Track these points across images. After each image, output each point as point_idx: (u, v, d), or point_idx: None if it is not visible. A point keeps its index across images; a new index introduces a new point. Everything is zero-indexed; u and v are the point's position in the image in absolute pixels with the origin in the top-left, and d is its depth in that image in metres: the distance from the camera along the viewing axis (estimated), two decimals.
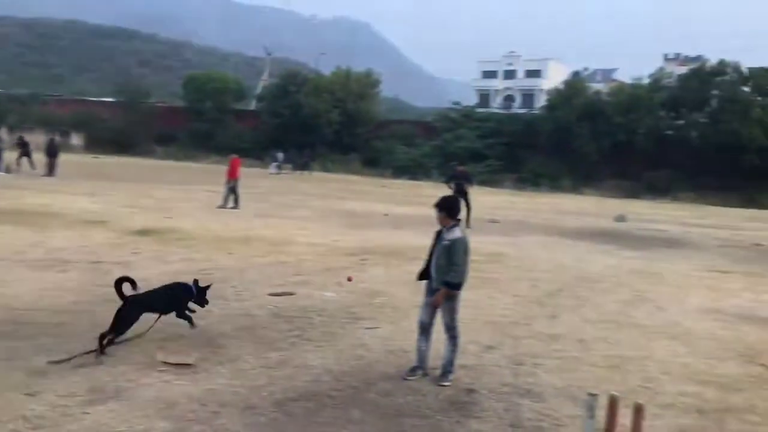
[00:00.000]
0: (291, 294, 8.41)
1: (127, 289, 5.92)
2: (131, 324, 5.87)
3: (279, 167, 44.54)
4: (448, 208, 5.67)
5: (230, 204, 19.42)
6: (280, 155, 45.09)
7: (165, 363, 5.51)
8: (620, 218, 23.11)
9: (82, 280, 8.49)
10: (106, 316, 6.72)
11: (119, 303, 5.93)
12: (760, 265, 13.81)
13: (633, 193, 41.51)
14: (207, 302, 6.70)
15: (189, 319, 6.49)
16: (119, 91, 59.46)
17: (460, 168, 20.87)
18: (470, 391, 5.32)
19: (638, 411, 3.36)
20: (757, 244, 17.85)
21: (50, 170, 26.85)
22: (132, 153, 53.98)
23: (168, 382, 5.09)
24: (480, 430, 4.59)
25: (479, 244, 14.50)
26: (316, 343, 6.36)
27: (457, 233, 5.56)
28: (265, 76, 69.36)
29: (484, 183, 44.83)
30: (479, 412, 4.90)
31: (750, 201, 38.18)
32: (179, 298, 6.56)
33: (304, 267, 10.47)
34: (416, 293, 8.88)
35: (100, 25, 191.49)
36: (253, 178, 34.44)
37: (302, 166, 45.31)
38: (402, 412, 4.82)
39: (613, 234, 18.51)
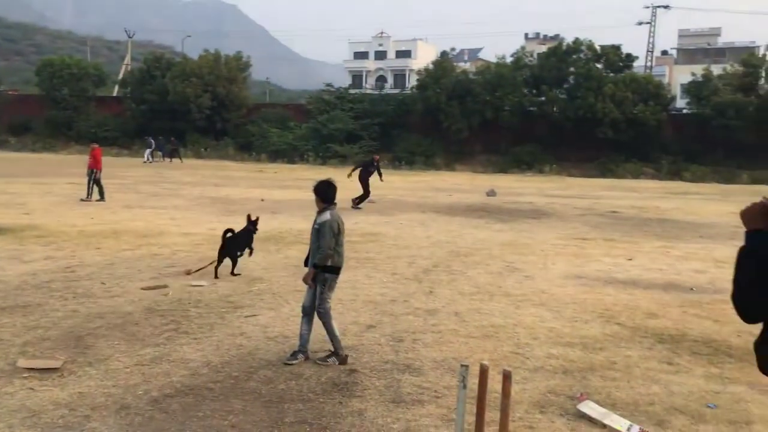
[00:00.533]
0: (164, 287, 8.13)
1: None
2: (226, 257, 8.92)
3: (152, 155, 42.68)
4: (320, 193, 5.70)
5: (96, 196, 18.40)
6: (151, 141, 43.20)
7: (28, 369, 5.17)
8: (491, 193, 24.05)
9: None
10: None
11: None
12: (616, 231, 14.85)
13: (502, 168, 43.29)
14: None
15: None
16: None
17: (377, 157, 21.68)
18: (351, 371, 5.38)
19: (506, 377, 3.54)
20: (613, 211, 19.17)
21: None
22: None
23: (32, 389, 4.79)
24: (362, 408, 4.66)
25: (356, 225, 14.67)
26: (192, 336, 6.20)
27: (326, 216, 5.62)
28: (127, 60, 65.92)
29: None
30: (361, 391, 4.98)
31: (606, 171, 40.88)
32: (251, 234, 9.54)
33: (178, 258, 10.15)
34: (296, 277, 8.86)
35: None
36: (122, 167, 32.84)
37: (171, 153, 43.65)
38: (284, 398, 4.81)
39: (485, 208, 19.24)
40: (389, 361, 5.64)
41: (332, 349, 5.62)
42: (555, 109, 44.33)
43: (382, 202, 20.31)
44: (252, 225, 9.64)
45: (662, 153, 42.04)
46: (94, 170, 18.59)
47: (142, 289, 7.99)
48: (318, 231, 5.57)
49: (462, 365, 3.54)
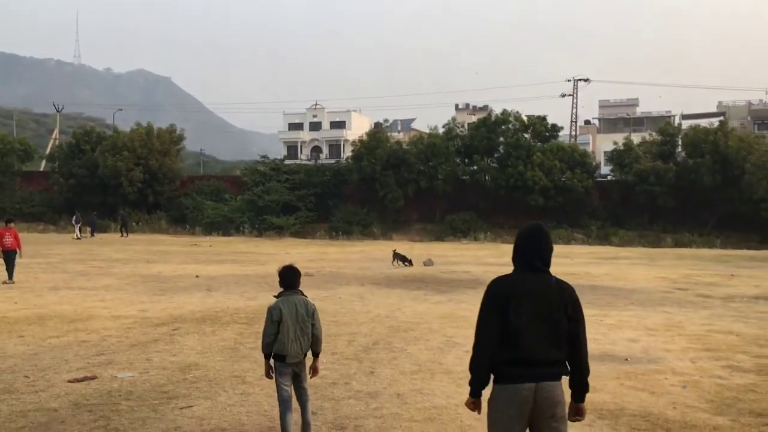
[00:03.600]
0: (93, 378, 7.76)
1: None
2: None
3: (80, 230, 41.43)
4: (280, 276, 5.72)
5: (12, 278, 17.56)
6: (75, 217, 42.03)
7: None
8: (428, 262, 24.27)
9: None
10: None
11: None
12: None
13: (438, 236, 43.90)
14: None
15: None
16: None
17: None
18: None
19: None
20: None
21: None
22: None
23: None
24: None
25: None
26: None
27: (272, 301, 5.57)
28: (55, 134, 64.62)
29: (297, 234, 45.11)
30: None
31: None
32: None
33: (108, 345, 9.74)
34: (233, 362, 8.65)
35: None
36: (49, 244, 31.78)
37: (122, 226, 42.73)
38: None
39: (422, 279, 19.34)
40: None
41: None
42: (487, 177, 45.66)
43: (320, 275, 20.17)
44: None
45: (591, 218, 43.64)
46: (14, 250, 17.80)
47: (69, 381, 7.59)
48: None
49: None
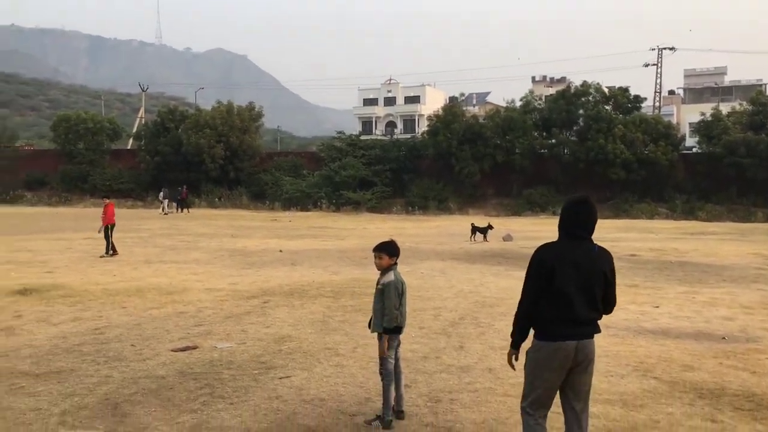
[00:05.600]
0: (194, 348, 8.12)
1: None
2: None
3: (168, 206, 43.12)
4: (386, 251, 5.75)
5: (110, 251, 18.50)
6: (162, 193, 43.71)
7: None
8: (507, 237, 24.04)
9: None
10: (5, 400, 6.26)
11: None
12: (638, 276, 14.76)
13: (515, 211, 43.40)
14: None
15: None
16: None
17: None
18: None
19: None
20: (632, 255, 19.10)
21: None
22: None
23: None
24: None
25: (376, 275, 14.65)
26: (228, 400, 6.17)
27: (390, 277, 5.67)
28: (141, 113, 67.07)
29: (373, 209, 45.49)
30: None
31: (620, 212, 40.86)
32: None
33: (204, 316, 10.16)
34: (324, 335, 8.87)
35: None
36: (138, 220, 33.17)
37: (181, 203, 44.06)
38: None
39: (502, 254, 19.23)
40: (429, 423, 5.58)
41: (379, 414, 5.57)
42: (566, 151, 44.63)
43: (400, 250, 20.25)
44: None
45: (675, 192, 42.09)
46: (108, 226, 18.69)
47: (172, 350, 7.98)
48: (382, 292, 5.60)
49: None
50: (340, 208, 45.72)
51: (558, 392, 4.23)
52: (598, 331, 4.23)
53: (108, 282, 13.45)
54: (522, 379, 4.33)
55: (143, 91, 71.42)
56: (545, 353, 4.10)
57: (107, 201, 19.90)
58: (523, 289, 4.24)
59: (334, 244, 22.72)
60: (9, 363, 7.37)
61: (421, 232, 28.33)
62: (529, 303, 4.18)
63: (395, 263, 5.85)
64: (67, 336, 8.71)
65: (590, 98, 45.26)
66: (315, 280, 14.03)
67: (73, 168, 52.55)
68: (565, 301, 4.05)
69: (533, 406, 4.19)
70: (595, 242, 4.24)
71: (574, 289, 4.06)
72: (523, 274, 14.03)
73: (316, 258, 18.29)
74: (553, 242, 4.31)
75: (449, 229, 30.53)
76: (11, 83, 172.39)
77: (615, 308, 4.35)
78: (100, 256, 18.03)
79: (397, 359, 5.79)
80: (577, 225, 4.23)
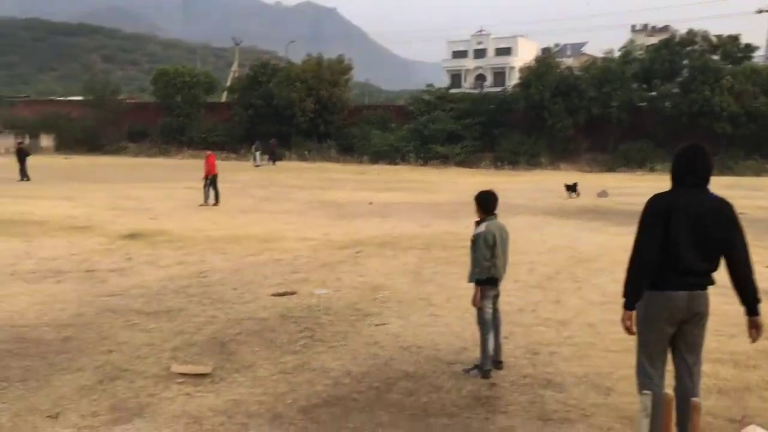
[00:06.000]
0: (293, 293, 8.35)
1: None
2: None
3: (260, 158, 44.19)
4: (480, 202, 5.75)
5: (211, 201, 19.20)
6: (255, 145, 44.76)
7: (182, 374, 5.43)
8: (602, 194, 23.31)
9: (79, 290, 8.35)
10: (111, 328, 6.65)
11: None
12: (747, 235, 13.97)
13: (610, 167, 41.88)
14: None
15: None
16: (87, 88, 58.35)
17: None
18: (492, 385, 5.32)
19: (695, 410, 3.37)
20: (741, 213, 18.08)
21: (23, 175, 26.37)
22: (103, 151, 53.24)
23: (189, 394, 5.02)
24: (509, 425, 4.59)
25: (468, 229, 14.56)
26: (328, 344, 6.32)
27: (481, 228, 5.60)
28: (234, 67, 68.48)
29: (462, 164, 45.03)
30: (504, 406, 4.91)
31: (725, 168, 38.64)
32: None
33: (300, 264, 10.41)
34: (418, 285, 8.92)
35: (61, 22, 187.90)
36: (231, 171, 34.15)
37: (270, 156, 44.96)
38: (428, 411, 4.81)
39: (598, 210, 18.66)
40: (528, 375, 5.54)
41: (477, 363, 5.58)
42: (667, 103, 42.41)
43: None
44: None
45: None
46: (210, 176, 19.36)
47: (272, 295, 8.23)
48: (473, 243, 5.56)
49: (643, 393, 3.40)
50: (427, 162, 45.50)
51: (672, 348, 4.10)
52: (712, 283, 4.06)
53: (208, 229, 13.98)
54: (626, 336, 4.19)
55: (236, 45, 72.71)
56: (656, 303, 3.99)
57: (208, 153, 20.64)
58: (636, 241, 4.05)
59: (424, 197, 22.70)
60: (123, 301, 7.81)
61: (511, 187, 27.83)
62: (643, 256, 3.99)
63: (492, 215, 5.73)
64: (173, 278, 9.14)
65: (696, 47, 42.65)
66: (406, 232, 14.09)
67: (172, 120, 54.45)
68: (677, 250, 3.91)
69: (651, 361, 4.09)
70: (711, 192, 4.05)
71: (687, 239, 3.91)
72: (619, 230, 13.65)
73: (406, 211, 18.34)
74: (665, 191, 4.11)
75: (541, 184, 29.87)
76: (113, 38, 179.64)
77: (722, 266, 4.05)
78: (200, 205, 18.73)
79: (495, 310, 5.74)
80: (691, 172, 4.03)
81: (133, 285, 8.69)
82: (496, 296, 5.74)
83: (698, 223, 3.93)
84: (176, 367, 5.58)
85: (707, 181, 4.05)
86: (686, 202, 3.97)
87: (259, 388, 5.18)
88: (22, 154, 27.07)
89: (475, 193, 5.88)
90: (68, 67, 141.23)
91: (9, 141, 48.37)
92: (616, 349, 6.22)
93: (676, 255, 3.93)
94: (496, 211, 5.81)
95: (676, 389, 4.09)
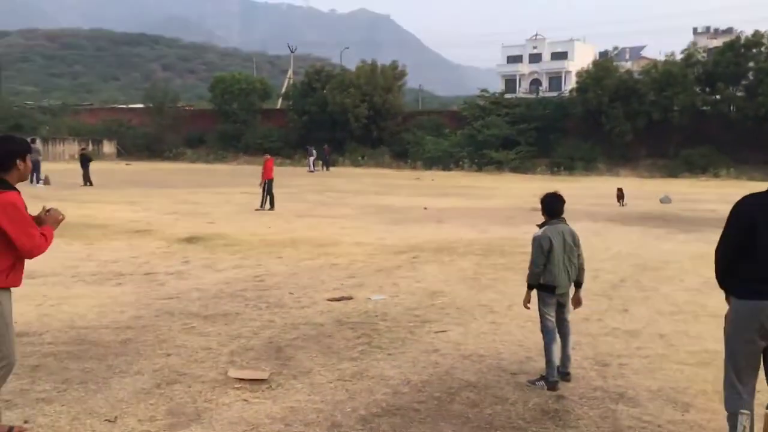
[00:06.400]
0: (349, 298, 8.22)
1: None
2: None
3: (313, 163, 44.52)
4: (544, 205, 5.53)
5: (267, 206, 19.31)
6: (313, 151, 45.08)
7: (239, 379, 5.34)
8: (665, 199, 22.57)
9: (139, 293, 8.40)
10: (170, 331, 6.64)
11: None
12: None
13: (671, 172, 40.67)
14: None
15: None
16: (148, 96, 59.95)
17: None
18: (559, 397, 5.06)
19: None
20: (711, 210, 17.22)
21: (86, 180, 27.10)
22: (163, 157, 54.55)
23: (247, 401, 4.92)
24: None
25: (526, 235, 14.22)
26: (386, 351, 6.15)
27: (538, 232, 5.35)
28: (290, 73, 69.32)
29: (517, 169, 44.42)
30: (574, 420, 4.64)
31: None
32: None
33: (356, 268, 10.28)
34: (477, 292, 8.68)
35: (123, 32, 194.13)
36: (286, 176, 34.46)
37: (325, 161, 45.21)
38: (493, 424, 4.59)
39: (662, 217, 18.04)
40: (598, 388, 5.25)
41: (543, 374, 5.32)
42: (732, 108, 40.98)
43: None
44: None
45: None
46: (267, 180, 19.46)
47: (329, 300, 8.11)
48: (532, 246, 5.34)
49: (741, 412, 3.12)
50: (482, 168, 45.03)
51: (765, 363, 3.79)
52: None
53: (264, 233, 14.02)
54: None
55: (292, 52, 73.62)
56: (745, 312, 3.72)
57: (267, 157, 20.77)
58: (719, 243, 3.90)
59: (480, 203, 22.38)
60: (181, 304, 7.81)
61: (569, 193, 26.85)
62: (725, 259, 3.85)
63: (558, 219, 5.46)
64: (230, 282, 9.13)
65: (763, 49, 41.08)
66: (462, 237, 13.84)
67: (229, 127, 55.42)
68: (765, 257, 3.64)
69: (739, 377, 3.77)
70: None
71: None
72: (686, 238, 13.13)
73: (462, 216, 18.08)
74: (756, 193, 3.84)
75: (599, 190, 29.12)
76: (172, 47, 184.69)
77: None
78: (255, 209, 18.86)
79: (563, 319, 5.47)
80: None
81: (191, 288, 8.71)
82: (561, 305, 5.46)
83: None
84: (233, 372, 5.50)
85: None
86: None
87: (317, 395, 5.04)
88: (85, 160, 27.85)
89: (541, 196, 5.62)
90: (130, 76, 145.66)
91: (74, 147, 50.03)
92: (691, 362, 5.87)
93: (764, 261, 3.66)
94: (564, 215, 5.53)
95: None
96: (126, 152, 54.78)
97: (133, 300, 8.01)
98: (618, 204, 21.56)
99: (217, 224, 15.46)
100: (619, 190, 22.23)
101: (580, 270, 5.51)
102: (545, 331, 5.34)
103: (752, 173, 38.28)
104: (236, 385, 5.21)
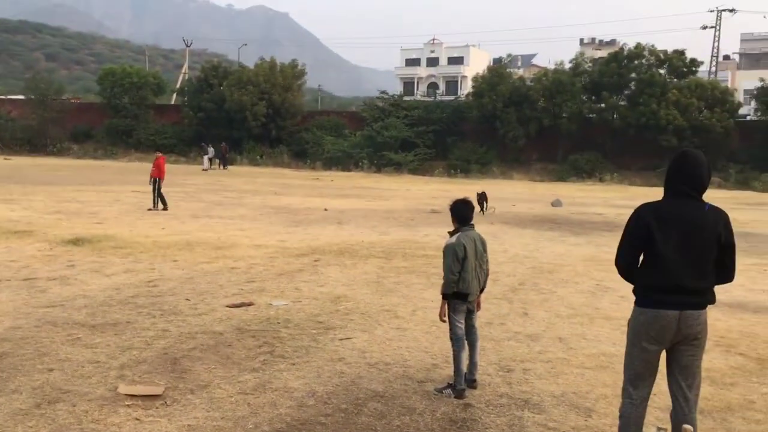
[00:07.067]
0: (250, 304, 7.91)
1: None
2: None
3: (210, 161, 43.20)
4: (454, 212, 5.48)
5: (160, 206, 18.46)
6: (211, 149, 43.71)
7: (130, 396, 4.97)
8: (557, 203, 23.44)
9: (17, 300, 7.73)
10: (52, 344, 6.12)
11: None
12: None
13: (560, 176, 42.42)
14: None
15: None
16: (29, 87, 56.14)
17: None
18: (467, 405, 5.02)
19: None
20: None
21: None
22: (46, 152, 51.43)
23: (139, 419, 4.56)
24: None
25: (426, 237, 14.34)
26: (290, 361, 5.93)
27: (451, 239, 5.29)
28: (184, 68, 67.12)
29: (415, 171, 44.97)
30: (482, 429, 4.61)
31: None
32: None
33: (256, 272, 9.96)
34: (381, 296, 8.58)
35: (2, 18, 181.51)
36: (181, 175, 33.30)
37: (222, 159, 44.01)
38: None
39: (553, 219, 18.68)
40: (504, 394, 5.25)
41: (450, 382, 5.27)
42: (615, 116, 43.29)
43: (446, 213, 19.85)
44: None
45: (729, 162, 40.54)
46: (157, 179, 18.59)
47: (228, 306, 7.78)
48: (444, 254, 5.25)
49: (659, 428, 3.13)
50: (381, 170, 45.28)
51: (667, 370, 3.87)
52: (710, 301, 3.76)
53: (157, 235, 13.37)
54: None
55: (187, 46, 71.30)
56: (643, 321, 3.73)
57: (159, 154, 19.82)
58: (618, 248, 3.88)
59: (379, 204, 22.40)
60: (65, 312, 7.25)
61: (464, 195, 27.80)
62: (624, 263, 3.86)
63: (468, 225, 5.44)
64: (120, 287, 8.59)
65: (644, 61, 43.63)
66: (364, 239, 13.75)
67: (119, 122, 52.92)
68: (665, 266, 3.64)
69: (633, 382, 3.84)
70: (705, 201, 3.75)
71: (676, 253, 3.62)
72: (577, 240, 13.60)
73: (362, 218, 18.01)
74: (655, 201, 3.84)
75: (494, 193, 29.86)
76: (57, 37, 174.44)
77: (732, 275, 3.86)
78: (148, 209, 18.02)
79: (470, 326, 5.45)
80: (682, 180, 3.72)
81: (76, 295, 8.11)
82: (471, 311, 5.44)
83: (690, 237, 3.64)
84: (124, 388, 5.11)
85: (702, 190, 3.75)
86: (677, 213, 3.67)
87: (217, 411, 4.76)
88: None
89: (449, 202, 5.59)
90: (9, 66, 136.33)
91: None
92: (591, 365, 6.01)
93: (663, 270, 3.66)
94: (473, 222, 5.51)
95: (671, 414, 3.87)
96: (5, 146, 51.13)
97: (11, 309, 7.35)
98: (482, 211, 18.81)
99: (106, 225, 14.62)
100: (480, 195, 19.27)
101: (486, 275, 5.51)
102: (455, 338, 5.30)
103: (633, 178, 40.62)
104: (127, 402, 4.84)
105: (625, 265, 3.85)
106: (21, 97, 58.05)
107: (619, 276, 3.98)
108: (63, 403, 4.78)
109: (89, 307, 7.56)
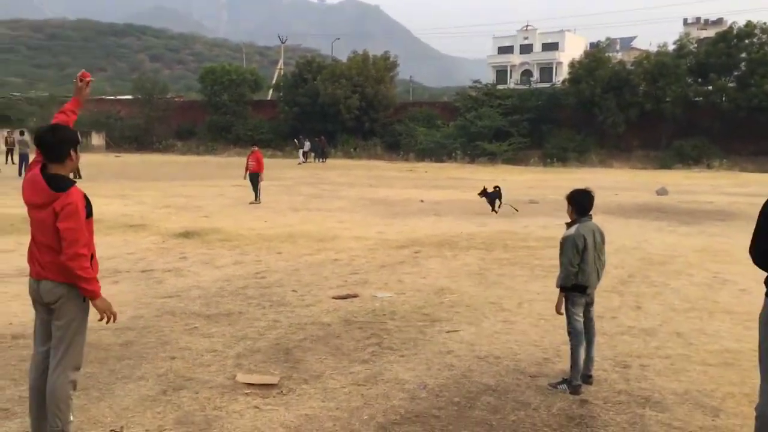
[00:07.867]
0: (355, 296, 8.00)
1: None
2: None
3: (305, 155, 44.14)
4: (574, 203, 5.26)
5: (260, 198, 18.96)
6: (307, 143, 44.65)
7: (248, 384, 5.12)
8: (662, 191, 22.46)
9: (137, 291, 8.15)
10: (172, 333, 6.40)
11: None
12: None
13: (663, 163, 40.65)
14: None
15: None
16: (136, 87, 59.20)
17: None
18: (583, 402, 4.87)
19: None
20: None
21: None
22: (152, 149, 53.98)
23: (258, 408, 4.69)
24: None
25: (528, 228, 14.07)
26: (399, 353, 5.94)
27: (570, 231, 5.14)
28: (280, 64, 68.77)
29: (510, 161, 44.24)
30: (602, 427, 4.45)
31: None
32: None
33: (358, 264, 10.06)
34: (485, 288, 8.47)
35: (110, 23, 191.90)
36: (278, 168, 34.16)
37: (321, 153, 44.85)
38: (518, 431, 4.39)
39: (660, 209, 17.91)
40: (622, 391, 5.06)
41: (565, 377, 5.13)
42: (724, 98, 40.91)
43: (544, 203, 19.50)
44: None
45: None
46: (259, 173, 19.08)
47: (333, 298, 7.89)
48: (561, 246, 5.11)
49: None
50: (474, 160, 44.83)
51: None
52: None
53: (261, 227, 13.75)
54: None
55: (282, 43, 73.04)
56: None
57: (255, 149, 20.36)
58: (752, 242, 3.64)
59: (475, 195, 22.14)
60: (182, 303, 7.57)
61: (564, 185, 27.00)
62: (759, 250, 3.59)
63: (587, 216, 5.26)
64: (230, 279, 8.88)
65: (755, 40, 41.03)
66: (462, 231, 13.64)
67: (219, 118, 54.89)
68: None
69: (764, 375, 3.63)
70: None
71: None
72: (688, 230, 12.94)
73: (460, 209, 17.89)
74: None
75: (594, 182, 28.94)
76: (160, 38, 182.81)
77: None
78: (250, 203, 18.57)
79: (589, 319, 5.28)
80: None
81: (191, 286, 8.46)
82: (589, 304, 5.28)
83: None
84: (242, 377, 5.27)
85: None
86: None
87: (332, 401, 4.83)
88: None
89: (568, 192, 5.41)
90: (117, 67, 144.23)
91: None
92: (714, 362, 5.70)
93: None
94: (591, 212, 5.33)
95: None
96: (115, 144, 54.16)
97: (132, 299, 7.75)
98: (490, 209, 16.69)
99: (212, 218, 15.18)
100: (493, 190, 17.13)
101: (603, 268, 5.34)
102: (574, 332, 5.14)
103: (744, 164, 38.37)
104: (246, 391, 4.99)
105: (760, 252, 3.61)
106: (129, 97, 61.19)
107: (754, 264, 3.71)
108: (186, 390, 4.98)
109: (203, 297, 7.86)
